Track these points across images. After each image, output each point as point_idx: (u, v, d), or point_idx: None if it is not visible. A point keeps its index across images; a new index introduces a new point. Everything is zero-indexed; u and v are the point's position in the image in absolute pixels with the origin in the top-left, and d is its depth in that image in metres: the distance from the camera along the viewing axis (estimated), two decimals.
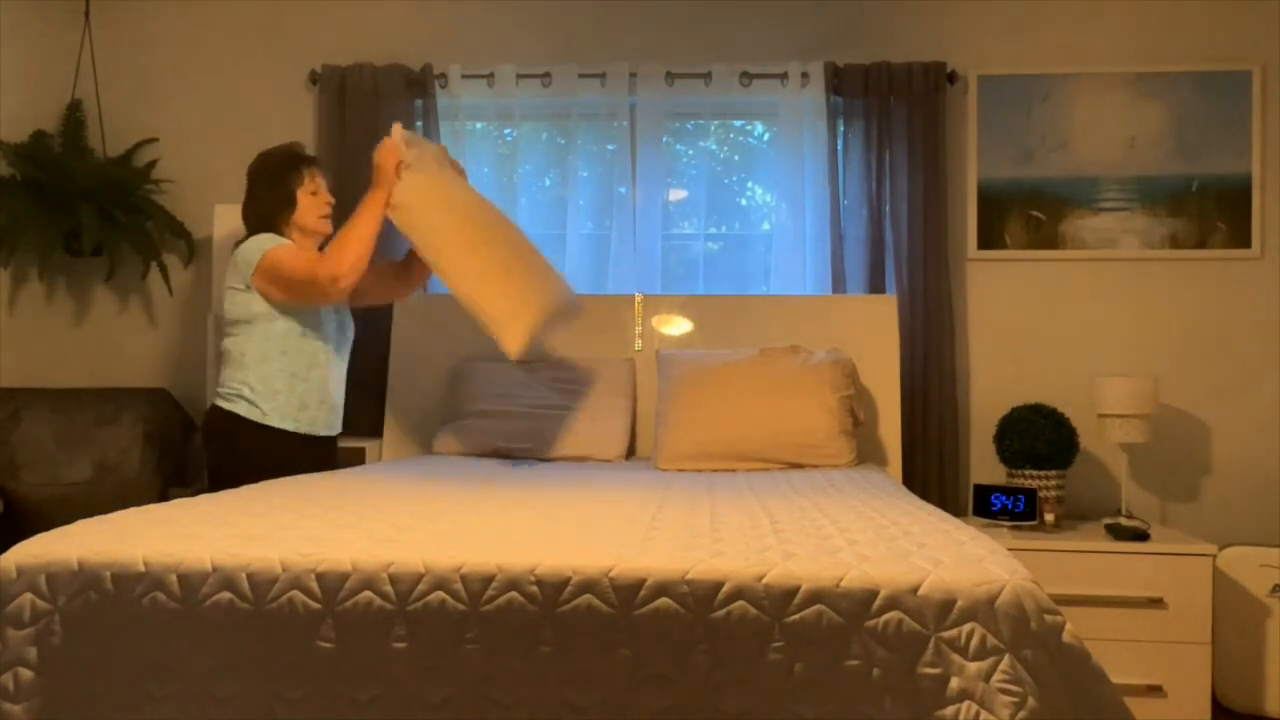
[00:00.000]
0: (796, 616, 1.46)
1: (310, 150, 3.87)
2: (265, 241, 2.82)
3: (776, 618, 1.46)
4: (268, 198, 2.90)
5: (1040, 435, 3.38)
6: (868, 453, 3.48)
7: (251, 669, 1.54)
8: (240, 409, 2.81)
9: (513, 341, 2.73)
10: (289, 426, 2.85)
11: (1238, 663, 3.30)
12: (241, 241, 2.89)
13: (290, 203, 2.90)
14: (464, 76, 3.79)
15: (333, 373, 2.96)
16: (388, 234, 3.84)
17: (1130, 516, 3.37)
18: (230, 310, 2.85)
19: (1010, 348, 3.76)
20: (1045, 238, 3.74)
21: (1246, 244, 3.66)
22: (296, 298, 2.81)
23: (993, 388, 3.76)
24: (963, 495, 3.72)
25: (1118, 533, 3.22)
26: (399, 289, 3.21)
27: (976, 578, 1.47)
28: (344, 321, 3.03)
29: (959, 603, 1.44)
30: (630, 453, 3.52)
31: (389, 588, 1.52)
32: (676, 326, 3.59)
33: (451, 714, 1.50)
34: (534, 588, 1.50)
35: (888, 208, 3.69)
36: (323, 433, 2.95)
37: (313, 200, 2.94)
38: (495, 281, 2.78)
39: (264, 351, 2.83)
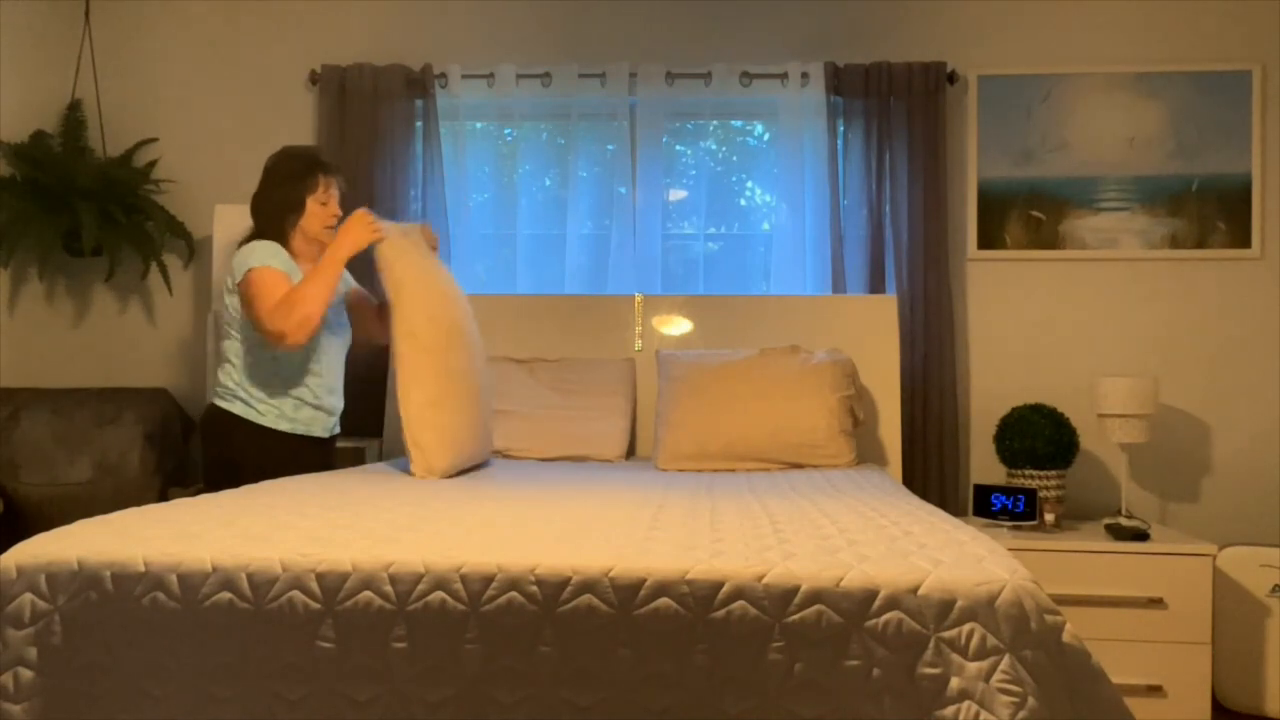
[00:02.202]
0: (796, 616, 1.46)
1: None
2: (258, 256, 2.76)
3: (776, 618, 1.46)
4: (277, 197, 2.87)
5: (1040, 435, 3.38)
6: (868, 453, 3.48)
7: (251, 669, 1.54)
8: (237, 409, 2.81)
9: (422, 469, 2.70)
10: (284, 428, 2.85)
11: (1238, 663, 3.30)
12: (244, 242, 2.87)
13: (298, 207, 2.87)
14: (464, 76, 3.79)
15: (327, 376, 2.94)
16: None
17: (1130, 516, 3.37)
18: (227, 311, 2.84)
19: (1010, 348, 3.76)
20: (1045, 238, 3.74)
21: (1246, 244, 3.66)
22: (251, 325, 2.78)
23: (993, 388, 3.76)
24: (963, 495, 3.72)
25: (1118, 533, 3.22)
26: (381, 330, 3.08)
27: (976, 578, 1.47)
28: (340, 324, 3.01)
29: (959, 603, 1.44)
30: (630, 453, 3.52)
31: (389, 588, 1.52)
32: (676, 326, 3.59)
33: (451, 714, 1.50)
34: (534, 588, 1.50)
35: (888, 208, 3.69)
36: (319, 434, 2.94)
37: (321, 210, 2.90)
38: (443, 411, 2.74)
39: (258, 354, 2.82)
